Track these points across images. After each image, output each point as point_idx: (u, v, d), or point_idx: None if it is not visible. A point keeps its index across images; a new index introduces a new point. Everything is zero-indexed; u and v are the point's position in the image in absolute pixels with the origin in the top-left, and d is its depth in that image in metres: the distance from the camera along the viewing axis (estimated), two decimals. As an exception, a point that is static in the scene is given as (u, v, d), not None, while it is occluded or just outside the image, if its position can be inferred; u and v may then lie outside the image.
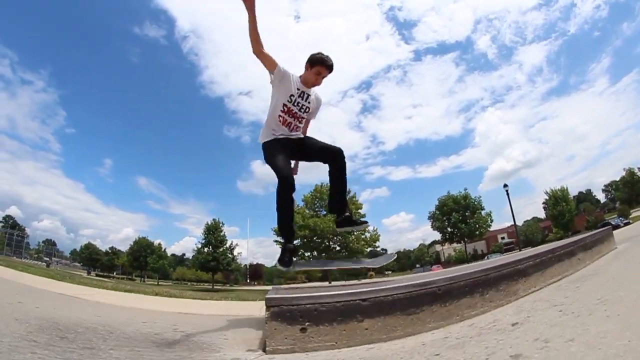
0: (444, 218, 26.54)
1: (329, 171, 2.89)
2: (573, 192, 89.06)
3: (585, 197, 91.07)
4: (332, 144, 2.93)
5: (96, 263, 66.06)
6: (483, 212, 26.86)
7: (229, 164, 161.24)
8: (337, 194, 2.96)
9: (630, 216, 53.60)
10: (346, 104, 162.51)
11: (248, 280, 78.58)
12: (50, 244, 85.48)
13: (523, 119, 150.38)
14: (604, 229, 4.02)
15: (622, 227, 32.76)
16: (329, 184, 2.97)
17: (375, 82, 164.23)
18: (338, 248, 28.44)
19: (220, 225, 39.73)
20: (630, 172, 42.69)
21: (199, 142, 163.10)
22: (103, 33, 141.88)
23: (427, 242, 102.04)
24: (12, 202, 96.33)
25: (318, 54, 2.86)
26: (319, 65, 2.82)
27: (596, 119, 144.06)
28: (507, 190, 27.02)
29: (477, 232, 27.11)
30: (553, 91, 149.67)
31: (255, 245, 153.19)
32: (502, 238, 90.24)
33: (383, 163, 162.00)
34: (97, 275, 50.34)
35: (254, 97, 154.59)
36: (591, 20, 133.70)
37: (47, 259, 63.54)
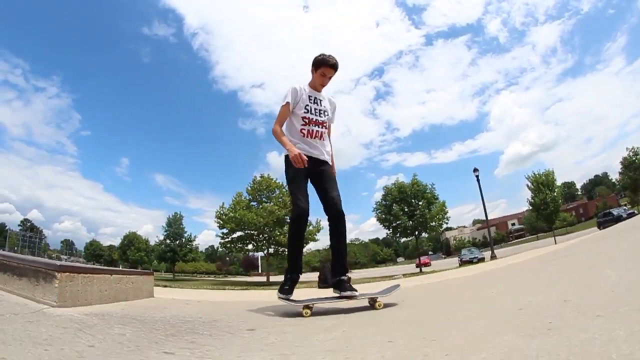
0: (387, 209, 21.54)
1: (330, 231, 2.73)
2: (590, 175, 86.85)
3: (601, 180, 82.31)
4: (339, 202, 2.73)
5: (100, 258, 66.79)
6: (434, 205, 21.40)
7: (245, 157, 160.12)
8: (337, 258, 2.71)
9: None
10: (359, 92, 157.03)
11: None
12: (68, 244, 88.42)
13: (538, 101, 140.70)
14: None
15: (625, 218, 26.27)
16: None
17: (387, 69, 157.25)
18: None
19: (180, 218, 39.11)
20: (635, 152, 34.35)
21: (214, 137, 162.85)
22: (112, 35, 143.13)
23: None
24: (33, 206, 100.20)
25: (320, 55, 2.82)
26: (323, 66, 2.79)
27: (613, 99, 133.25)
28: (477, 176, 21.76)
29: (429, 226, 21.82)
30: (568, 72, 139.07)
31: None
32: (513, 224, 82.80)
33: (398, 149, 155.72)
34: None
35: (266, 89, 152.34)
36: None
37: (64, 256, 65.86)
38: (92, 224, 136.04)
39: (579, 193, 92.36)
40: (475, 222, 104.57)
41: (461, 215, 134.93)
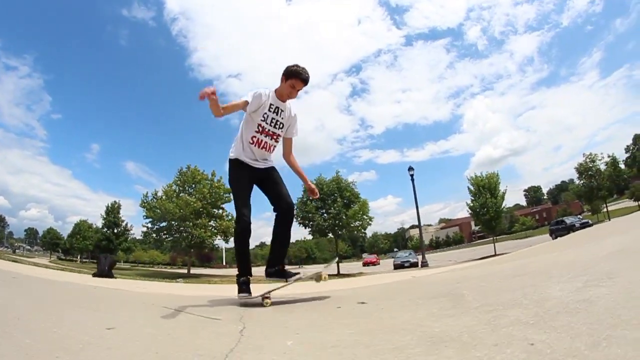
0: (313, 207, 19.29)
1: (276, 221, 2.75)
2: (557, 181, 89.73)
3: (567, 186, 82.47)
4: (288, 196, 2.78)
5: (56, 247, 63.50)
6: (355, 204, 19.18)
7: (217, 147, 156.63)
8: (280, 247, 2.77)
9: (614, 205, 43.41)
10: (336, 87, 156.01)
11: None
12: (32, 232, 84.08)
13: (512, 107, 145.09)
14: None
15: (577, 228, 24.62)
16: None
17: (365, 66, 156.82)
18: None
19: (118, 207, 36.05)
20: (591, 158, 32.13)
21: (188, 126, 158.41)
22: (90, 15, 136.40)
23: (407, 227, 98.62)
24: None
25: (294, 66, 2.67)
26: (294, 78, 2.65)
27: (585, 111, 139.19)
28: (411, 175, 19.74)
29: (351, 226, 19.64)
30: (543, 81, 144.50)
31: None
32: (476, 225, 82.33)
33: (371, 146, 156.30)
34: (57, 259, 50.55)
35: (243, 80, 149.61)
36: (585, 14, 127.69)
37: (25, 246, 62.09)
38: (60, 211, 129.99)
39: (545, 197, 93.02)
40: (440, 220, 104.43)
41: (430, 213, 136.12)
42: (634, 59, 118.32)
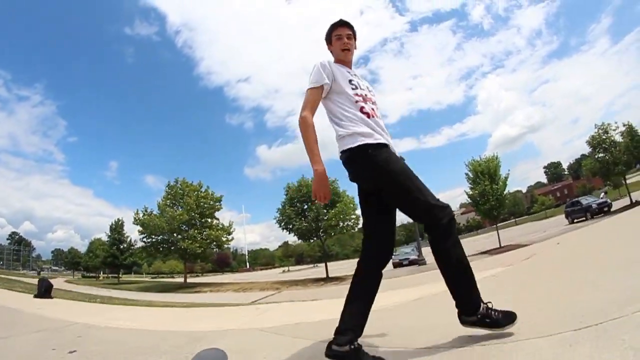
0: (292, 211, 18.17)
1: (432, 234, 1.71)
2: (577, 155, 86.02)
3: (588, 159, 77.82)
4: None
5: (78, 266, 65.11)
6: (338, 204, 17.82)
7: (234, 152, 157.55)
8: (458, 274, 1.67)
9: (635, 176, 39.02)
10: None
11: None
12: (58, 253, 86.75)
13: (525, 83, 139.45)
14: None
15: (595, 209, 22.51)
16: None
17: (373, 57, 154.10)
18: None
19: (122, 224, 37.84)
20: (604, 129, 28.54)
21: (202, 133, 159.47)
22: (95, 38, 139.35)
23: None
24: (25, 218, 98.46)
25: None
26: (332, 30, 2.09)
27: (599, 80, 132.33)
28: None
29: (337, 227, 18.42)
30: (554, 54, 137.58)
31: (267, 229, 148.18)
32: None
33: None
34: (81, 276, 53.37)
35: (252, 83, 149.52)
36: None
37: (38, 269, 64.76)
38: (86, 230, 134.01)
39: (566, 173, 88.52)
40: (461, 205, 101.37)
41: (451, 199, 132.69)
42: None
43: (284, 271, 47.45)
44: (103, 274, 56.29)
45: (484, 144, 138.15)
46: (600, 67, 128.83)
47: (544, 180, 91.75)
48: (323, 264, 21.11)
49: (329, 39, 2.14)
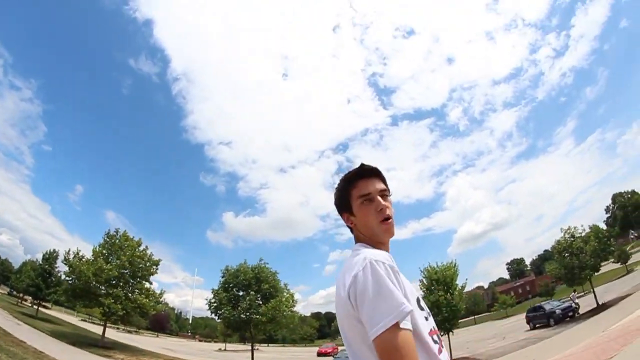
0: (224, 297, 16.49)
1: None
2: (540, 251, 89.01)
3: (550, 255, 80.00)
4: None
5: (7, 280, 58.48)
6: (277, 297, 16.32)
7: (201, 212, 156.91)
8: None
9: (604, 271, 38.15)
10: (322, 164, 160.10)
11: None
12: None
13: (493, 182, 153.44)
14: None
15: (558, 316, 21.33)
16: None
17: (352, 145, 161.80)
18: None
19: (55, 256, 34.44)
20: (571, 233, 27.68)
21: (174, 185, 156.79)
22: (100, 57, 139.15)
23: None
24: None
25: (340, 184, 1.28)
26: (350, 187, 1.22)
27: (563, 178, 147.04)
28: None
29: (271, 322, 16.73)
30: (522, 155, 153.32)
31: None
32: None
33: None
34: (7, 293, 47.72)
35: (233, 148, 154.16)
36: (558, 87, 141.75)
37: None
38: (32, 245, 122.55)
39: (528, 269, 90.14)
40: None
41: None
42: (605, 123, 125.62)
43: (220, 349, 43.30)
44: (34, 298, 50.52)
45: (449, 240, 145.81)
46: (564, 166, 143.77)
47: (507, 276, 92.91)
48: (266, 346, 18.89)
49: (345, 202, 1.24)
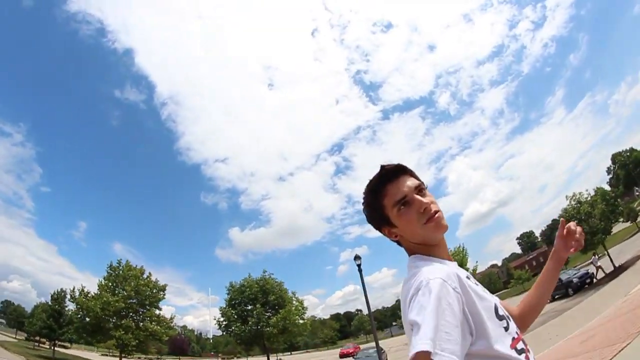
0: (232, 314, 16.26)
1: None
2: (548, 221, 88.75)
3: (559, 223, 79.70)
4: None
5: (22, 326, 58.67)
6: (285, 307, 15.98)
7: (207, 231, 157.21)
8: None
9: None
10: (320, 167, 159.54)
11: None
12: (8, 305, 79.00)
13: (491, 160, 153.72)
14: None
15: (576, 284, 20.87)
16: None
17: (347, 144, 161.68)
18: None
19: (63, 296, 33.33)
20: (577, 200, 25.71)
21: (176, 209, 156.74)
22: (85, 92, 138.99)
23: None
24: None
25: (368, 186, 1.10)
26: (384, 190, 1.04)
27: (560, 146, 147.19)
28: (358, 265, 15.32)
29: (283, 333, 16.41)
30: (516, 129, 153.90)
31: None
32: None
33: (360, 222, 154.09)
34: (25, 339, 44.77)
35: (229, 164, 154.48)
36: (541, 58, 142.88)
37: None
38: (44, 287, 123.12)
39: (539, 240, 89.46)
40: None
41: None
42: (593, 86, 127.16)
43: None
44: (49, 340, 50.23)
45: (456, 223, 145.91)
46: (560, 135, 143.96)
47: (519, 250, 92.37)
48: (289, 355, 18.55)
49: (380, 215, 1.05)
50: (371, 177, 1.10)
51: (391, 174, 1.03)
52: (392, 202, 0.99)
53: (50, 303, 33.62)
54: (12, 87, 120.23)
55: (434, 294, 0.78)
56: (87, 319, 21.97)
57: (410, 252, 1.02)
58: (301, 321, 16.53)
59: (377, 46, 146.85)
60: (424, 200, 0.97)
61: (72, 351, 42.08)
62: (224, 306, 17.11)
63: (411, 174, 1.06)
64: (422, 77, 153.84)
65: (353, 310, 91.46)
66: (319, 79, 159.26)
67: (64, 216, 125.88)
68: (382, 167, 1.06)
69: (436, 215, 0.96)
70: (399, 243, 1.07)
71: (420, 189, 1.01)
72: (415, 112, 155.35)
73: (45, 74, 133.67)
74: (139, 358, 48.05)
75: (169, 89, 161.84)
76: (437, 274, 0.84)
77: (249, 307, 16.30)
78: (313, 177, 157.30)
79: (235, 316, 16.35)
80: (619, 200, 28.81)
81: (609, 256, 23.62)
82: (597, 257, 24.94)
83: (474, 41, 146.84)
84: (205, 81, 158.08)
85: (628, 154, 64.31)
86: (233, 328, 16.15)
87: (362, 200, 1.13)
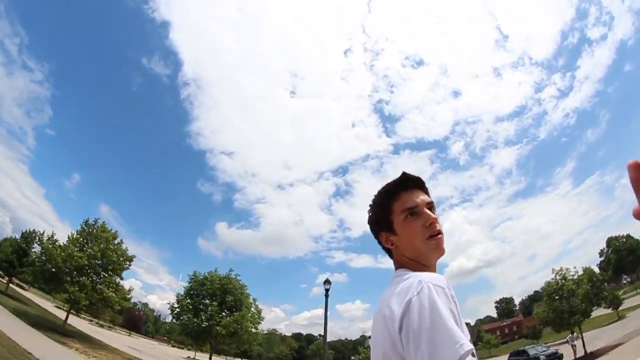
0: (187, 304, 15.97)
1: None
2: (530, 291, 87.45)
3: (540, 296, 78.48)
4: None
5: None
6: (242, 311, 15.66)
7: (194, 219, 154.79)
8: None
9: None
10: (321, 185, 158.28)
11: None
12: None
13: (489, 218, 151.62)
14: None
15: None
16: None
17: (352, 169, 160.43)
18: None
19: (33, 237, 33.39)
20: (562, 275, 25.01)
21: (171, 188, 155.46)
22: (115, 51, 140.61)
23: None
24: None
25: (380, 191, 1.10)
26: (394, 198, 1.04)
27: (560, 219, 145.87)
28: (326, 290, 15.85)
29: (233, 336, 16.09)
30: (520, 193, 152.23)
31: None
32: None
33: (346, 249, 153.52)
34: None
35: (234, 159, 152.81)
36: (560, 127, 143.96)
37: None
38: (21, 225, 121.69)
39: (517, 309, 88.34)
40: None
41: None
42: (604, 166, 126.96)
43: (189, 357, 40.94)
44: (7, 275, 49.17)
45: (439, 273, 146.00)
46: (561, 207, 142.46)
47: (494, 314, 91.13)
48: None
49: (385, 218, 1.04)
50: (389, 181, 1.11)
51: (410, 182, 1.06)
52: (402, 208, 1.00)
53: (19, 240, 33.59)
54: (47, 26, 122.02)
55: (441, 300, 0.76)
56: (47, 266, 21.69)
57: (399, 265, 1.01)
58: (254, 330, 16.20)
59: (404, 80, 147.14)
60: (432, 215, 0.99)
61: (28, 294, 41.31)
62: (182, 293, 16.81)
63: (427, 191, 1.09)
64: (441, 120, 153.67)
65: (316, 334, 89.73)
66: (340, 99, 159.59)
67: (61, 163, 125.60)
68: (404, 173, 1.08)
69: (439, 235, 0.98)
70: (389, 253, 1.06)
71: (431, 206, 1.03)
72: (426, 153, 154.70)
73: (80, 23, 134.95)
74: (91, 321, 47.25)
75: (194, 70, 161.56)
76: (437, 279, 0.83)
77: (206, 302, 16.04)
78: (311, 193, 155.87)
79: (190, 306, 16.05)
80: (605, 284, 28.18)
81: (582, 340, 23.04)
82: (574, 335, 24.45)
83: (498, 97, 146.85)
84: (230, 72, 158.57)
85: (624, 239, 63.59)
86: (183, 317, 15.82)
87: (370, 201, 1.13)
